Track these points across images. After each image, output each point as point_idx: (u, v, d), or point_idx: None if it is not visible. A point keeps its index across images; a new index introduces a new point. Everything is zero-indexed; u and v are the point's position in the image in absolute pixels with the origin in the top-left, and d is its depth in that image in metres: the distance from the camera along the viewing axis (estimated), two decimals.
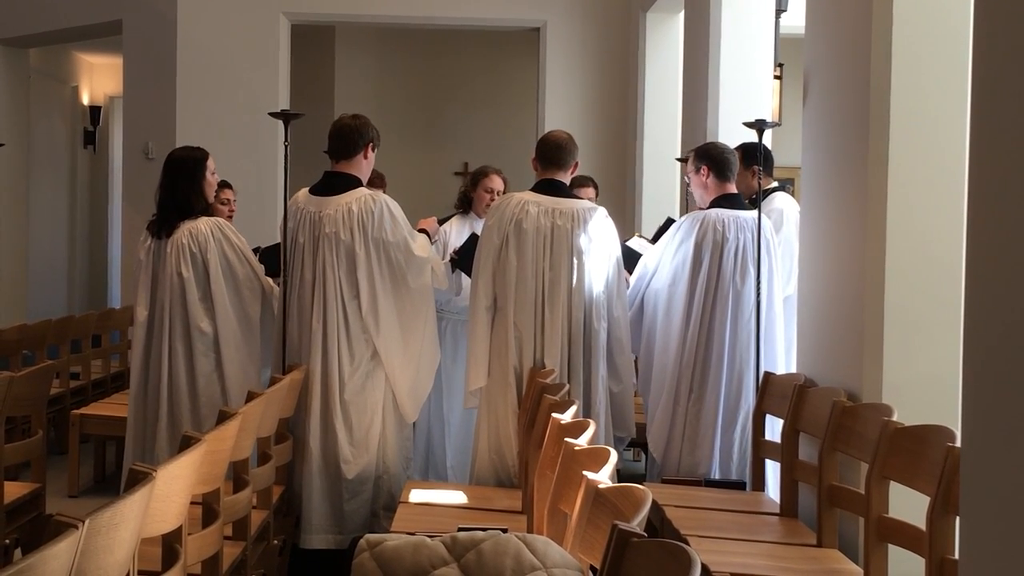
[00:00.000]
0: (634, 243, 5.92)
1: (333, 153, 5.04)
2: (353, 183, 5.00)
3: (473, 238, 5.43)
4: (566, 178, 5.07)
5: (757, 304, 4.92)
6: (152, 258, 5.02)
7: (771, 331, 5.04)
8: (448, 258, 5.64)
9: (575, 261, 4.90)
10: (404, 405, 5.02)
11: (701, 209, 5.15)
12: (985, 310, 1.68)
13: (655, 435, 5.13)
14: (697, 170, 5.17)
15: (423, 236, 5.22)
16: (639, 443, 6.02)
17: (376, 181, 5.58)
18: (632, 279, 5.31)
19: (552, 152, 5.02)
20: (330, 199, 4.96)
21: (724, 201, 5.09)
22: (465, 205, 6.17)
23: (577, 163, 5.12)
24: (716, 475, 4.96)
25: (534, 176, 5.13)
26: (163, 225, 5.00)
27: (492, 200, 5.79)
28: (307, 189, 5.08)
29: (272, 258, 5.28)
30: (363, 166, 5.06)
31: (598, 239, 4.95)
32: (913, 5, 3.92)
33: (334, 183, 5.01)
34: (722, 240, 5.00)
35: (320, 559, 4.91)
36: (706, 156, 5.17)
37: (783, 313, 5.11)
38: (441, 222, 5.88)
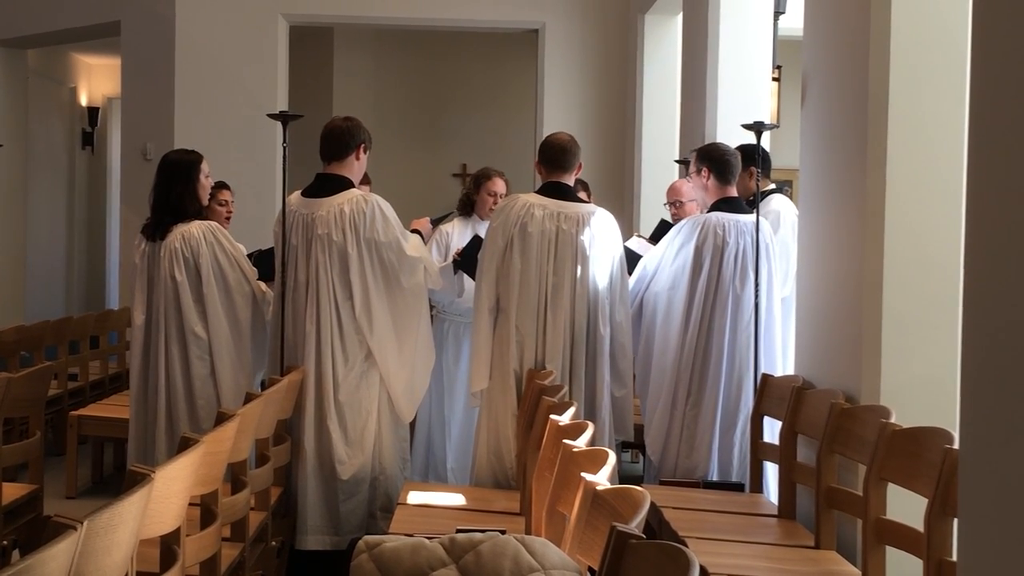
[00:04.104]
0: (633, 243, 5.91)
1: (325, 155, 5.04)
2: (345, 184, 5.00)
3: (476, 240, 5.43)
4: (570, 180, 5.08)
5: (755, 308, 4.92)
6: (147, 261, 5.02)
7: (770, 335, 5.04)
8: (451, 260, 5.64)
9: (579, 265, 4.90)
10: (400, 405, 5.02)
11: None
12: (983, 312, 1.68)
13: (653, 437, 5.13)
14: (698, 171, 5.17)
15: (416, 236, 5.22)
16: (637, 445, 6.02)
17: (362, 180, 5.55)
18: (631, 281, 5.31)
19: (556, 155, 5.02)
20: (322, 201, 4.96)
21: (724, 205, 5.09)
22: (467, 208, 6.16)
23: (581, 164, 5.13)
24: (714, 478, 4.97)
25: (533, 177, 5.13)
26: (157, 228, 5.01)
27: (495, 203, 5.79)
28: (299, 191, 5.08)
29: (267, 262, 5.28)
30: (355, 167, 5.06)
31: (602, 243, 4.95)
32: (911, 7, 3.92)
33: (326, 185, 5.01)
34: (722, 244, 5.00)
35: (318, 560, 4.91)
36: (708, 158, 5.16)
37: (781, 317, 5.11)
38: (434, 222, 5.87)
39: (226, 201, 6.14)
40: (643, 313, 5.28)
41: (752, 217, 5.00)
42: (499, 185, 6.02)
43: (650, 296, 5.25)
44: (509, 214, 4.95)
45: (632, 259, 5.41)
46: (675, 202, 5.89)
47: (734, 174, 5.14)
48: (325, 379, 4.90)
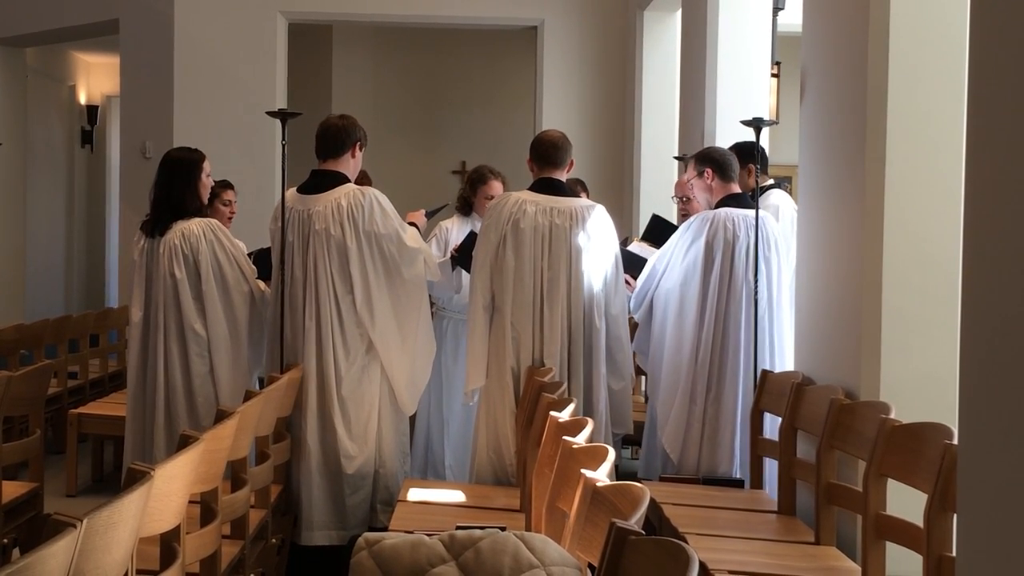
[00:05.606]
0: (635, 248, 5.91)
1: (320, 153, 5.04)
2: (340, 180, 4.99)
3: (472, 235, 5.42)
4: (563, 177, 5.08)
5: (756, 300, 4.92)
6: (146, 258, 5.02)
7: (781, 326, 5.05)
8: (449, 256, 5.63)
9: (574, 260, 4.90)
10: (403, 397, 5.02)
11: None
12: (981, 308, 1.68)
13: (671, 436, 5.10)
14: (700, 174, 5.18)
15: (413, 228, 5.22)
16: (637, 441, 6.01)
17: (362, 179, 5.56)
18: (640, 280, 5.31)
19: (548, 152, 5.02)
20: (318, 197, 4.96)
21: (731, 200, 5.11)
22: (466, 208, 6.13)
23: (572, 161, 5.12)
24: (737, 473, 4.96)
25: (531, 175, 5.12)
26: (156, 225, 5.01)
27: None
28: (295, 188, 5.08)
29: (266, 261, 5.27)
30: (351, 165, 5.06)
31: (597, 237, 4.95)
32: (910, 3, 3.92)
33: (322, 181, 5.00)
34: (733, 238, 5.01)
35: (319, 557, 4.91)
36: (708, 159, 5.20)
37: (791, 307, 5.11)
38: (429, 214, 5.86)
39: (230, 201, 6.13)
40: (653, 312, 5.28)
41: (761, 212, 5.02)
42: (495, 188, 5.92)
43: (660, 294, 5.24)
44: (501, 212, 4.94)
45: (635, 261, 5.41)
46: (683, 197, 5.86)
47: (736, 171, 5.19)
48: (327, 374, 4.90)
